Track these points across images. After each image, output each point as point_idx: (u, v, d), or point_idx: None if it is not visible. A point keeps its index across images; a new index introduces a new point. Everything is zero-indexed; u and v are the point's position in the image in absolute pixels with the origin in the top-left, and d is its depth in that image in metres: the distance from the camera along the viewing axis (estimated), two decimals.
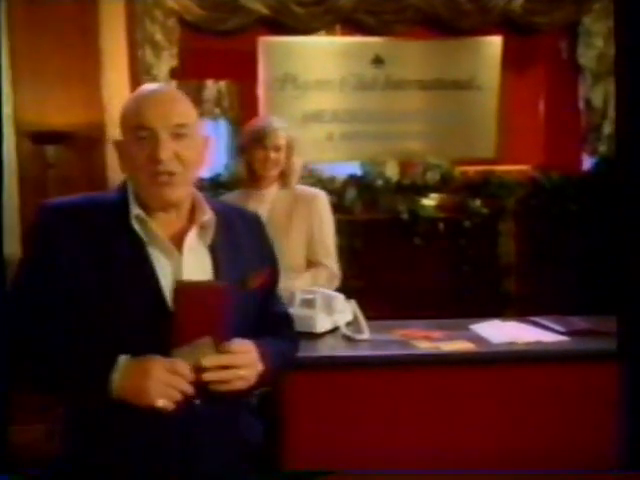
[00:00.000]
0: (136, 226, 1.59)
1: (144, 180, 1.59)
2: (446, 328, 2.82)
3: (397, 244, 2.87)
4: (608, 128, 5.12)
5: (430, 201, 4.86)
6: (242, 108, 5.96)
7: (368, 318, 2.76)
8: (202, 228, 1.65)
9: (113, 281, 1.55)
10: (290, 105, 4.99)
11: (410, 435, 2.50)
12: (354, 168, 5.00)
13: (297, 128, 4.62)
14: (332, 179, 4.80)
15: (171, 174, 1.57)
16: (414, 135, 5.15)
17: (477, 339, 2.69)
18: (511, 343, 2.65)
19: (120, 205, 1.61)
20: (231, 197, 3.18)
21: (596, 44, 5.07)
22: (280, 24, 4.93)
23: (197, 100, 6.25)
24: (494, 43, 5.16)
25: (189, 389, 1.48)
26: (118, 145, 1.65)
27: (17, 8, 4.40)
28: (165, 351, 1.52)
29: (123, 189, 1.65)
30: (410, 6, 4.98)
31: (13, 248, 4.12)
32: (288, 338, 1.87)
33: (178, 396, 1.48)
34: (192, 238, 1.64)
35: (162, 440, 1.58)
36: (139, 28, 4.74)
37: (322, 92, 5.09)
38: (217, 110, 6.27)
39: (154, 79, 4.75)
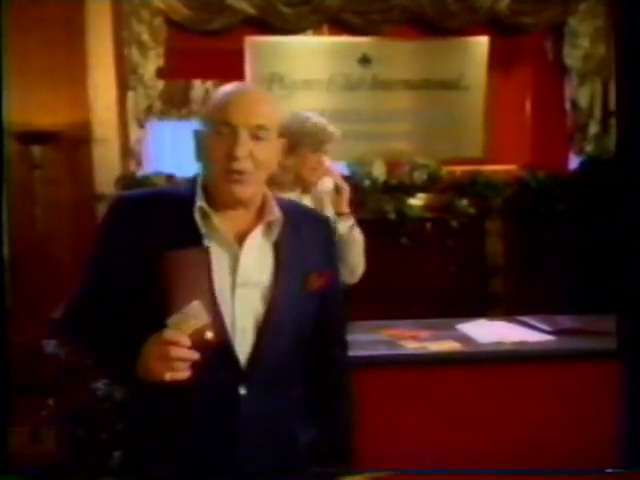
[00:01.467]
0: (198, 218, 1.60)
1: (216, 174, 1.61)
2: (433, 328, 2.83)
3: (384, 244, 2.87)
4: (594, 128, 5.15)
5: (417, 201, 4.86)
6: None
7: (355, 318, 2.75)
8: (268, 226, 1.67)
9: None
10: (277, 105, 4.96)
11: (397, 435, 2.50)
12: (341, 168, 4.99)
13: None
14: None
15: (243, 173, 1.58)
16: (401, 135, 5.14)
17: (464, 339, 2.70)
18: (498, 343, 2.66)
19: (187, 198, 1.63)
20: None
21: (582, 44, 5.10)
22: (267, 24, 4.93)
23: (184, 100, 6.25)
24: (481, 43, 5.17)
25: (189, 354, 1.47)
26: (197, 134, 1.66)
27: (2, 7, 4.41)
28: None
29: (193, 182, 1.67)
30: (397, 6, 4.99)
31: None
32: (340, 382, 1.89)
33: (180, 365, 1.47)
34: (256, 235, 1.65)
35: (206, 433, 1.61)
36: (125, 28, 4.74)
37: (309, 92, 5.08)
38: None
39: (140, 79, 4.75)
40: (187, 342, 1.46)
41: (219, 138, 1.59)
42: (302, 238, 1.72)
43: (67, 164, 4.71)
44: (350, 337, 2.68)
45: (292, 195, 2.78)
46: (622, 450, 1.93)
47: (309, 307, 1.71)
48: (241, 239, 1.63)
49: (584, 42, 5.09)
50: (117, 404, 3.16)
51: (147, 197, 1.72)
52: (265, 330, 1.62)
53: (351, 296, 2.90)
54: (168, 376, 1.46)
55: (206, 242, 1.60)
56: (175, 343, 1.46)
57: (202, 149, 1.64)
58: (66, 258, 4.57)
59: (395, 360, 2.57)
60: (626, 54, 1.79)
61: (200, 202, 1.61)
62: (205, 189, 1.64)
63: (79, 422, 3.31)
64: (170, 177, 4.65)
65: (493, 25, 5.14)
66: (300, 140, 2.74)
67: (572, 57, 5.13)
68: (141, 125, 4.84)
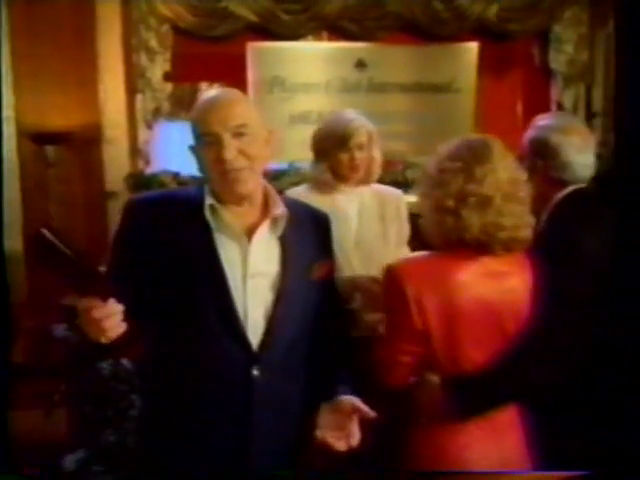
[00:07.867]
0: (208, 215, 1.72)
1: (215, 178, 1.72)
2: None
3: None
4: None
5: (410, 199, 4.97)
6: None
7: None
8: (274, 221, 1.77)
9: (180, 264, 1.70)
10: (278, 107, 5.12)
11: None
12: None
13: (284, 129, 4.78)
14: None
15: (238, 170, 1.69)
16: (395, 136, 5.21)
17: None
18: None
19: (197, 197, 1.75)
20: (301, 191, 2.75)
21: (566, 50, 5.29)
22: (268, 30, 5.08)
23: (191, 102, 6.41)
24: (471, 49, 5.33)
25: (108, 310, 1.50)
26: (193, 150, 1.77)
27: (16, 14, 4.54)
28: (217, 325, 1.70)
29: (202, 185, 1.78)
30: (391, 13, 5.14)
31: (15, 243, 4.35)
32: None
33: (108, 322, 1.50)
34: (264, 230, 1.76)
35: (221, 414, 1.70)
36: (134, 34, 4.85)
37: (308, 94, 5.23)
38: None
39: (148, 82, 4.89)
40: (97, 302, 1.48)
41: (207, 148, 1.70)
42: (303, 232, 1.83)
43: (79, 163, 4.81)
44: None
45: (357, 188, 2.74)
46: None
47: (313, 294, 1.82)
48: (249, 233, 1.74)
49: (568, 48, 5.27)
50: (122, 381, 3.34)
51: (159, 198, 1.84)
52: (275, 316, 1.73)
53: None
54: (103, 339, 1.50)
55: (217, 236, 1.71)
56: (90, 307, 1.48)
57: (199, 161, 1.76)
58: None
59: None
60: (626, 54, 1.87)
61: (210, 200, 1.72)
62: (212, 191, 1.76)
63: (86, 400, 3.40)
64: (176, 175, 4.75)
65: (482, 32, 5.29)
66: (327, 141, 2.68)
67: (557, 62, 5.31)
68: (149, 126, 4.96)
